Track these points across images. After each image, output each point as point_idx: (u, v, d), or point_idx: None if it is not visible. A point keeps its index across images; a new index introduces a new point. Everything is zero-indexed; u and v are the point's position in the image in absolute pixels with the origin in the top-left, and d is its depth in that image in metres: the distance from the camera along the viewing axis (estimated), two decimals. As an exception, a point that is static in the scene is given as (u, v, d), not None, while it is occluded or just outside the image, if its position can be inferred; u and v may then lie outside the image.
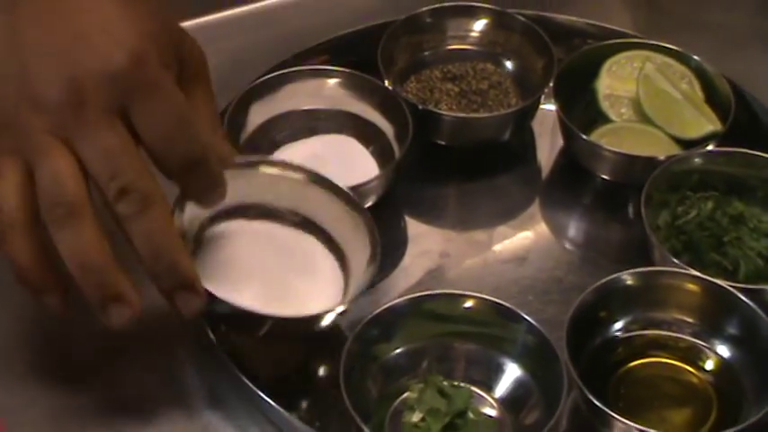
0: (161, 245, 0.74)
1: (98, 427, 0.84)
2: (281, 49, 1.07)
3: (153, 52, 0.74)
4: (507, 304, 0.86)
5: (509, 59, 1.09)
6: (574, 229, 1.02)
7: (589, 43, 1.08)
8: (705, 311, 0.88)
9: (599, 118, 1.04)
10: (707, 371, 0.87)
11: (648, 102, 1.03)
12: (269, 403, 0.81)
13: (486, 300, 0.86)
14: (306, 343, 0.88)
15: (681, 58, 1.06)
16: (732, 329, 0.87)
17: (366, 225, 0.88)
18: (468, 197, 1.02)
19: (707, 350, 0.88)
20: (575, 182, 1.03)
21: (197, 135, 0.76)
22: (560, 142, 1.04)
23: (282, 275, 0.87)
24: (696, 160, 0.97)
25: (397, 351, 0.87)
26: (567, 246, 1.00)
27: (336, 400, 0.80)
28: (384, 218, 0.91)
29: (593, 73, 1.06)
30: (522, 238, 0.99)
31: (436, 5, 1.08)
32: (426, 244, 0.98)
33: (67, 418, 0.84)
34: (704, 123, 1.01)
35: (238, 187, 0.87)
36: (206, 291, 0.80)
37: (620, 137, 1.02)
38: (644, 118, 1.03)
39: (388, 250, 0.90)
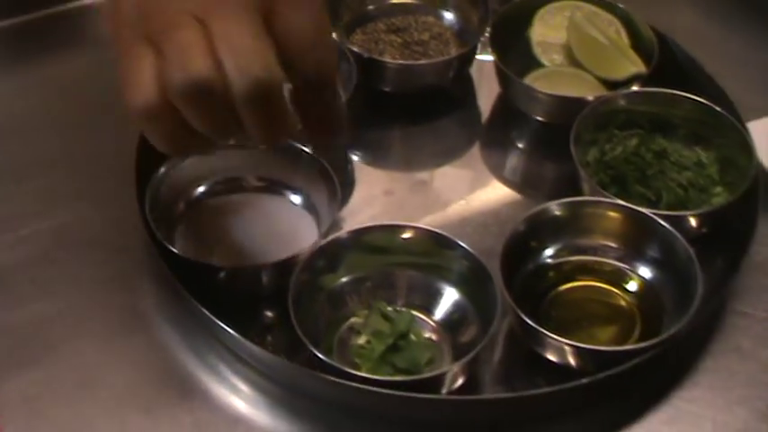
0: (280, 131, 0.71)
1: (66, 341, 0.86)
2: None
3: None
4: (443, 233, 0.87)
5: (448, 12, 1.10)
6: (511, 167, 1.02)
7: (522, -6, 1.08)
8: (628, 237, 0.89)
9: (532, 64, 1.05)
10: (630, 291, 0.89)
11: (578, 47, 1.04)
12: (225, 330, 0.81)
13: (424, 229, 0.87)
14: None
15: (607, 6, 1.07)
16: (653, 253, 0.89)
17: (321, 171, 0.90)
18: (412, 140, 1.03)
19: (630, 272, 0.90)
20: (511, 124, 1.04)
21: (331, 50, 0.73)
22: (497, 88, 1.05)
23: (254, 235, 0.90)
24: (622, 101, 0.98)
25: (343, 280, 0.88)
26: (505, 182, 1.00)
27: (289, 328, 0.82)
28: (333, 161, 0.91)
29: (527, 22, 1.07)
30: (463, 176, 1.01)
31: (377, -38, 1.09)
32: (372, 183, 0.99)
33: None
34: (629, 66, 1.02)
35: (209, 165, 0.91)
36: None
37: (553, 80, 1.03)
38: (574, 62, 1.04)
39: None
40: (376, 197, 0.98)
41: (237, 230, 0.90)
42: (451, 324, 0.87)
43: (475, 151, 1.03)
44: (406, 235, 0.88)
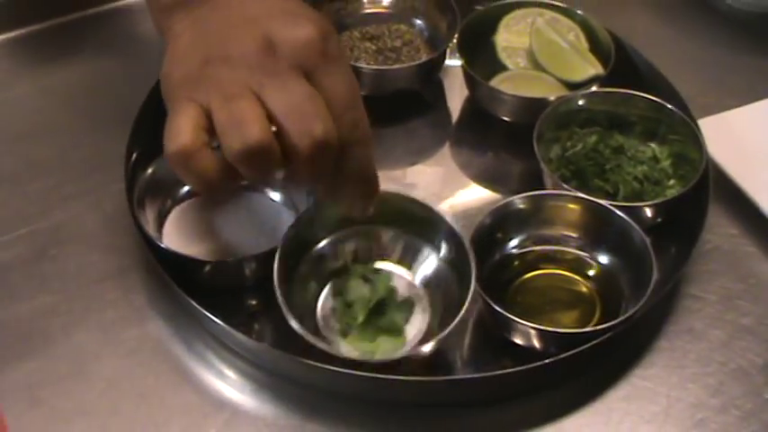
0: (369, 174, 0.77)
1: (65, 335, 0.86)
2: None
3: (333, 33, 0.75)
4: (426, 202, 0.88)
5: (419, 20, 1.10)
6: (478, 164, 1.02)
7: (488, 3, 1.08)
8: (588, 228, 0.90)
9: (498, 67, 1.06)
10: (591, 278, 0.90)
11: (540, 51, 1.05)
12: (212, 319, 0.82)
13: (406, 196, 0.88)
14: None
15: (567, 13, 1.07)
16: (611, 242, 0.89)
17: None
18: (387, 140, 1.03)
19: (590, 260, 0.90)
20: (479, 124, 1.05)
21: (363, 111, 0.75)
22: (466, 91, 1.05)
23: (237, 230, 0.90)
24: (581, 100, 0.99)
25: (325, 242, 0.89)
26: (473, 178, 1.01)
27: (272, 316, 0.82)
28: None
29: (492, 29, 1.07)
30: (434, 173, 1.01)
31: (352, -26, 1.09)
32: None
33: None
34: (588, 68, 1.03)
35: None
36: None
37: (517, 83, 1.03)
38: (537, 65, 1.05)
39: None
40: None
41: (222, 226, 0.91)
42: (430, 283, 0.88)
43: (445, 150, 1.04)
44: (388, 198, 0.86)
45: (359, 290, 0.86)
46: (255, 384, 0.84)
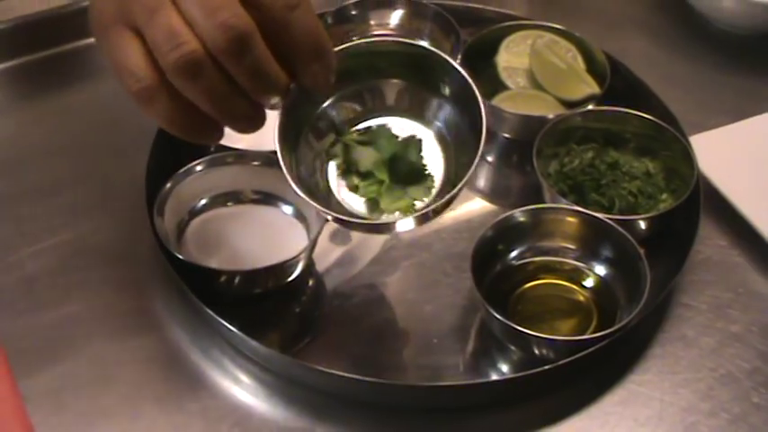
0: (265, 72, 0.66)
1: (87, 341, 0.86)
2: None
3: None
4: (434, 50, 0.79)
5: (424, 42, 1.09)
6: (481, 179, 1.02)
7: (490, 26, 1.08)
8: (585, 240, 0.90)
9: (499, 87, 1.05)
10: (588, 288, 0.89)
11: (539, 72, 1.04)
12: (227, 327, 0.82)
13: (405, 43, 0.80)
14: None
15: (565, 35, 1.07)
16: (607, 253, 0.89)
17: None
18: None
19: (587, 271, 0.90)
20: (481, 140, 1.05)
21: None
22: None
23: (251, 242, 0.90)
24: (578, 118, 0.99)
25: (328, 103, 0.79)
26: (476, 193, 1.00)
27: (284, 324, 0.82)
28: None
29: (494, 50, 1.07)
30: (438, 188, 1.00)
31: (360, -2, 1.09)
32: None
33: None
34: (585, 88, 1.03)
35: (209, 181, 0.91)
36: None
37: (517, 101, 1.03)
38: (536, 85, 1.05)
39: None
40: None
41: (236, 238, 0.91)
42: (441, 130, 0.81)
43: (449, 165, 1.03)
44: (391, 48, 0.79)
45: (366, 155, 0.79)
46: (268, 389, 0.84)
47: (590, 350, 0.81)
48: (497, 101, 1.03)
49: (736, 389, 0.85)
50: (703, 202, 0.93)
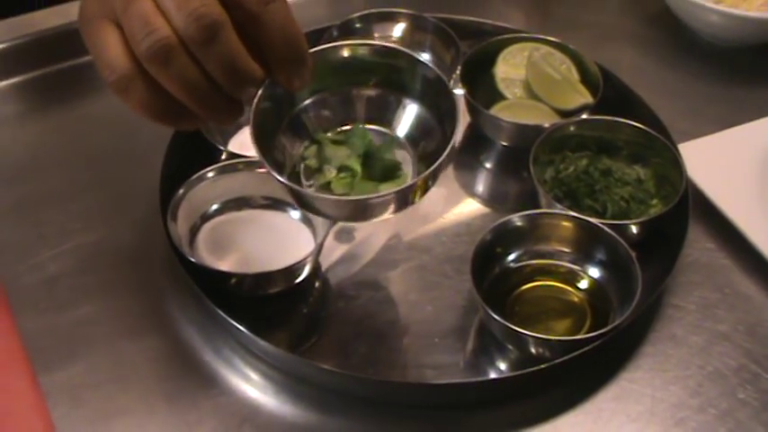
0: (236, 64, 0.65)
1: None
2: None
3: None
4: (399, 47, 0.77)
5: (425, 53, 1.10)
6: (480, 185, 1.02)
7: (488, 38, 1.08)
8: (579, 243, 0.89)
9: (497, 97, 1.05)
10: (582, 289, 0.89)
11: (535, 82, 1.04)
12: (238, 327, 0.82)
13: (378, 45, 0.78)
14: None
15: (560, 47, 1.07)
16: (600, 256, 0.89)
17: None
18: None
19: (581, 273, 0.90)
20: (480, 148, 1.04)
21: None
22: (468, 118, 1.05)
23: (260, 245, 0.90)
24: (573, 127, 0.98)
25: (304, 104, 0.78)
26: (474, 198, 1.00)
27: (292, 324, 0.82)
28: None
29: (492, 62, 1.07)
30: (439, 193, 1.00)
31: (364, 12, 1.09)
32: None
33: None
34: (579, 98, 1.02)
35: (221, 187, 0.91)
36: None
37: (514, 111, 1.03)
38: (532, 95, 1.04)
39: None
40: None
41: (246, 241, 0.90)
42: (414, 135, 0.79)
43: (449, 172, 1.03)
44: (362, 51, 0.77)
45: (340, 152, 0.77)
46: (277, 386, 0.83)
47: (584, 349, 0.80)
48: (495, 110, 1.03)
49: (723, 385, 0.84)
50: (692, 207, 0.93)
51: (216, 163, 0.93)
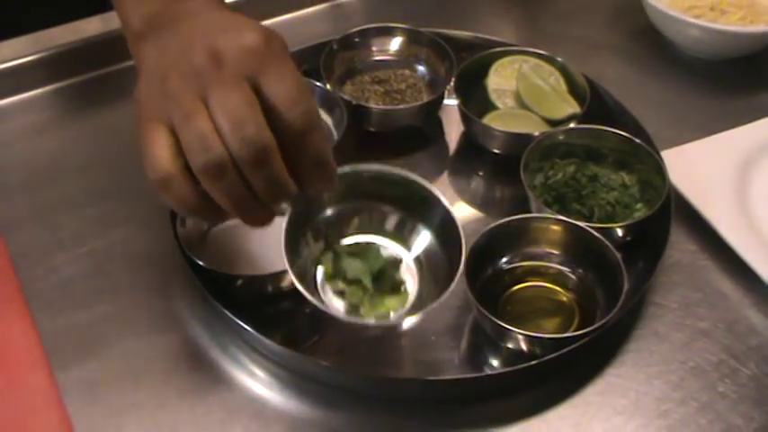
0: (279, 183, 0.69)
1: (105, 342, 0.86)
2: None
3: (276, 37, 0.70)
4: (425, 184, 0.84)
5: (421, 66, 1.10)
6: (473, 191, 1.02)
7: (481, 52, 1.08)
8: (568, 246, 0.89)
9: (489, 107, 1.05)
10: (570, 289, 0.89)
11: (525, 93, 1.04)
12: (244, 327, 0.82)
13: (406, 176, 0.84)
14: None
15: (549, 59, 1.07)
16: (588, 258, 0.88)
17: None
18: (393, 170, 1.03)
19: (570, 274, 0.90)
20: (473, 156, 1.04)
21: (313, 102, 0.70)
22: (461, 127, 1.05)
23: (266, 249, 0.89)
24: (561, 135, 0.98)
25: (329, 212, 0.84)
26: (468, 203, 1.00)
27: (295, 323, 0.82)
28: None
29: (484, 74, 1.07)
30: (435, 199, 1.00)
31: (362, 27, 1.09)
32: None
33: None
34: (567, 108, 1.02)
35: None
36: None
37: (506, 120, 1.03)
38: (523, 105, 1.04)
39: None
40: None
41: (251, 246, 0.90)
42: (421, 259, 0.85)
43: (444, 178, 1.03)
44: (391, 176, 0.84)
45: (355, 266, 0.82)
46: (282, 383, 0.83)
47: (572, 346, 0.80)
48: (488, 119, 1.03)
49: (703, 379, 0.84)
50: (674, 210, 0.93)
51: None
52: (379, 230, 0.86)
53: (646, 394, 0.83)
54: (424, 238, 0.85)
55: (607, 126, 0.99)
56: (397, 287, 0.83)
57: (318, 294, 0.82)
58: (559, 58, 1.06)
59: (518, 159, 0.95)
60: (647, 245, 0.92)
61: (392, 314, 0.82)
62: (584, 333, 0.81)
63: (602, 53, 1.20)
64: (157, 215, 0.92)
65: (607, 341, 0.86)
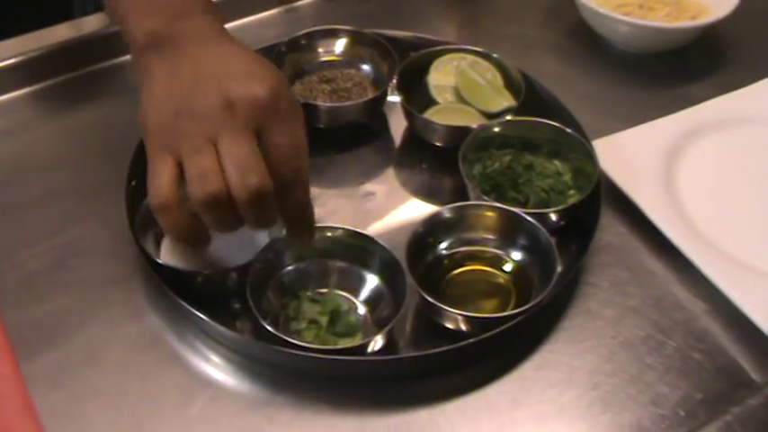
0: (267, 218, 0.76)
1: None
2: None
3: (284, 93, 0.76)
4: (366, 233, 0.88)
5: (366, 65, 1.10)
6: (416, 182, 1.02)
7: (421, 50, 1.09)
8: (504, 231, 0.90)
9: (431, 102, 1.06)
10: (507, 272, 0.90)
11: (464, 88, 1.05)
12: (200, 316, 0.82)
13: (350, 230, 0.88)
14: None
15: (486, 56, 1.08)
16: (522, 241, 0.90)
17: None
18: (341, 164, 1.03)
19: (506, 257, 0.91)
20: (416, 149, 1.04)
21: (305, 160, 0.76)
22: (404, 122, 1.05)
23: (221, 244, 0.89)
24: (498, 128, 0.99)
25: (288, 269, 0.88)
26: (412, 194, 1.00)
27: (248, 314, 0.82)
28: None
29: (425, 71, 1.08)
30: (380, 190, 1.01)
31: (309, 30, 1.09)
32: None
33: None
34: (503, 101, 1.03)
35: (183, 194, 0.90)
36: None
37: (446, 114, 1.04)
38: (461, 100, 1.05)
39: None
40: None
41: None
42: (371, 303, 0.87)
43: (389, 171, 1.03)
44: (337, 233, 0.88)
45: (312, 309, 0.86)
46: (235, 366, 0.84)
47: (509, 324, 0.81)
48: (429, 114, 1.04)
49: (633, 353, 0.86)
50: (605, 196, 0.94)
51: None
52: (334, 282, 0.89)
53: (579, 368, 0.84)
54: (371, 283, 0.88)
55: (541, 118, 1.00)
56: (349, 329, 0.85)
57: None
58: (495, 55, 1.07)
59: (457, 151, 0.96)
60: (579, 229, 0.93)
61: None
62: (520, 312, 0.82)
63: (537, 49, 1.21)
64: (116, 212, 0.91)
65: (543, 319, 0.87)
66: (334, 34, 1.10)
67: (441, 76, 1.07)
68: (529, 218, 0.89)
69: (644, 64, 1.19)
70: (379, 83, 1.08)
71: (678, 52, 1.19)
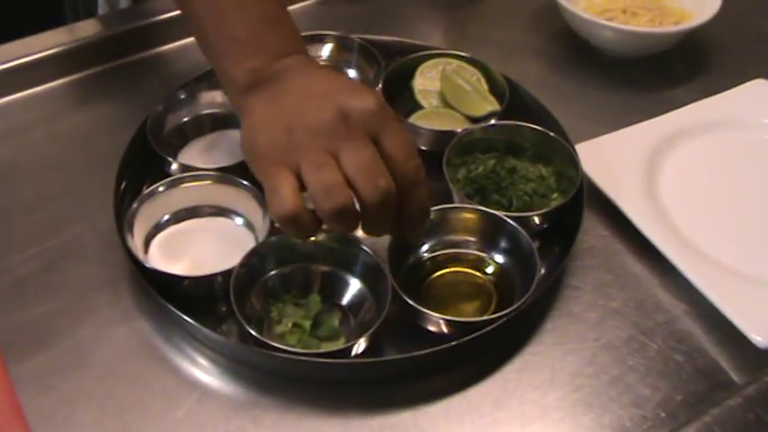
0: (388, 223, 0.77)
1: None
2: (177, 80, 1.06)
3: (385, 102, 0.76)
4: (349, 236, 0.86)
5: (351, 70, 1.10)
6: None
7: (407, 55, 1.08)
8: (486, 233, 0.90)
9: (416, 107, 1.06)
10: (489, 274, 0.89)
11: (448, 93, 1.05)
12: (187, 320, 0.82)
13: (334, 234, 0.87)
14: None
15: (470, 61, 1.07)
16: (504, 244, 0.89)
17: (257, 198, 0.90)
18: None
19: (488, 260, 0.90)
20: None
21: (419, 160, 0.77)
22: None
23: (208, 250, 0.89)
24: (482, 132, 0.99)
25: (272, 273, 0.87)
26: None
27: (234, 317, 0.82)
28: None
29: (410, 76, 1.07)
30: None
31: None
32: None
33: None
34: (487, 106, 1.03)
35: (171, 199, 0.91)
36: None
37: (431, 119, 1.03)
38: (446, 104, 1.05)
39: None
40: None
41: (195, 246, 0.90)
42: (354, 306, 0.87)
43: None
44: (320, 238, 0.87)
45: (297, 313, 0.85)
46: (221, 369, 0.83)
47: (491, 327, 0.81)
48: (414, 119, 1.03)
49: (615, 354, 0.85)
50: (588, 199, 0.94)
51: (168, 172, 0.94)
52: (317, 287, 0.88)
53: (561, 370, 0.84)
54: (353, 287, 0.87)
55: (525, 122, 0.99)
56: (332, 333, 0.84)
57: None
58: (480, 60, 1.07)
59: (442, 155, 0.95)
60: (562, 232, 0.93)
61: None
62: (502, 315, 0.81)
63: (522, 54, 1.21)
64: (105, 216, 0.91)
65: (525, 322, 0.87)
66: (320, 40, 1.10)
67: (426, 81, 1.07)
68: (510, 221, 0.88)
69: (627, 68, 1.18)
70: (366, 87, 1.07)
71: (661, 57, 1.18)
